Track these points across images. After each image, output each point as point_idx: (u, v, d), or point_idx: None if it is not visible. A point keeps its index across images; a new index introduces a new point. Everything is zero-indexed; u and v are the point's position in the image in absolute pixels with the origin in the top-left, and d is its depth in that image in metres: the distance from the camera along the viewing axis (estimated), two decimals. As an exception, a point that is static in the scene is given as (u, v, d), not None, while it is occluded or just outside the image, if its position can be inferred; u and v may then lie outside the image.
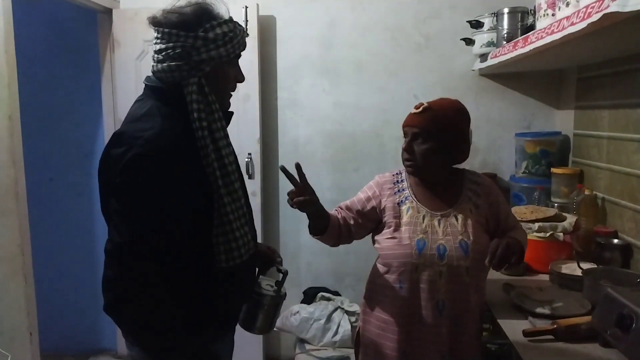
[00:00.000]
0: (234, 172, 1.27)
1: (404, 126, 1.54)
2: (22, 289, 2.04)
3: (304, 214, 1.49)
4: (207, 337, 1.29)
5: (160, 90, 1.22)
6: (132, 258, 1.11)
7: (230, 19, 1.23)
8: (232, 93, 1.32)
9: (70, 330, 3.19)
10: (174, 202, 1.13)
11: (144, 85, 1.26)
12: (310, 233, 1.56)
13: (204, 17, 1.18)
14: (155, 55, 1.19)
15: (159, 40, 1.18)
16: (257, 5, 2.66)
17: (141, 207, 1.11)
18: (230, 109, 1.34)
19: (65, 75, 3.04)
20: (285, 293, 1.50)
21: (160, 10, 1.19)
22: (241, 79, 1.31)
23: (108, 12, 2.77)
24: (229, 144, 1.27)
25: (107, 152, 1.19)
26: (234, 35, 1.20)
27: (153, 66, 1.21)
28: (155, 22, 1.18)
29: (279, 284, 1.48)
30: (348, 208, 1.60)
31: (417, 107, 1.51)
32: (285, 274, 1.52)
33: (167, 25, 1.16)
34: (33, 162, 2.67)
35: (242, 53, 1.28)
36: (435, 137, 1.48)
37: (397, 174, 1.62)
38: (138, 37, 2.72)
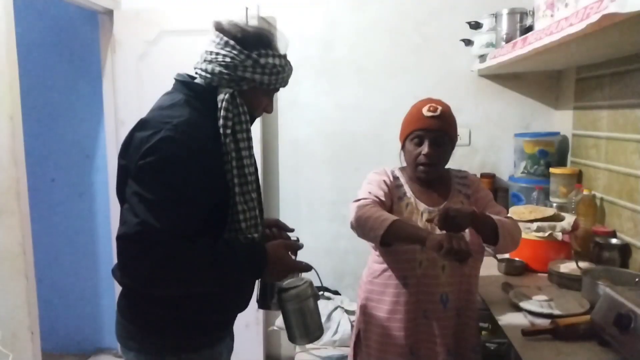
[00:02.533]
0: (253, 182, 1.27)
1: (418, 129, 1.52)
2: (24, 288, 2.05)
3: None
4: (208, 338, 1.30)
5: (192, 85, 1.25)
6: (147, 238, 1.08)
7: (285, 56, 1.28)
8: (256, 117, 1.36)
9: (72, 329, 3.20)
10: (193, 191, 1.13)
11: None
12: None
13: (263, 43, 1.23)
14: (206, 55, 1.24)
15: (214, 44, 1.23)
16: (258, 6, 2.67)
17: (162, 189, 1.10)
18: None
19: (66, 75, 3.05)
20: (311, 282, 1.36)
21: (228, 19, 1.25)
22: (270, 110, 1.36)
23: (109, 12, 2.78)
24: (252, 155, 1.29)
25: (131, 135, 1.19)
26: (282, 71, 1.25)
27: (198, 62, 1.26)
28: (218, 28, 1.23)
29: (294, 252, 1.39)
30: (379, 198, 1.53)
31: (432, 110, 1.50)
32: (297, 241, 1.44)
33: (228, 35, 1.22)
34: (34, 162, 2.68)
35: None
36: (450, 137, 1.53)
37: (391, 171, 1.63)
38: (139, 37, 2.73)
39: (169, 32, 2.66)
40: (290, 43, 3.05)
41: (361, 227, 1.44)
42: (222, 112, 1.20)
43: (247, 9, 2.59)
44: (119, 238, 1.10)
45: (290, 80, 1.25)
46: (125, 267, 1.12)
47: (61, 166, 3.12)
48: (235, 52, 1.20)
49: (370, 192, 1.54)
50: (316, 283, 1.40)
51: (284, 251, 1.29)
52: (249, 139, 1.26)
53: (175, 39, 2.64)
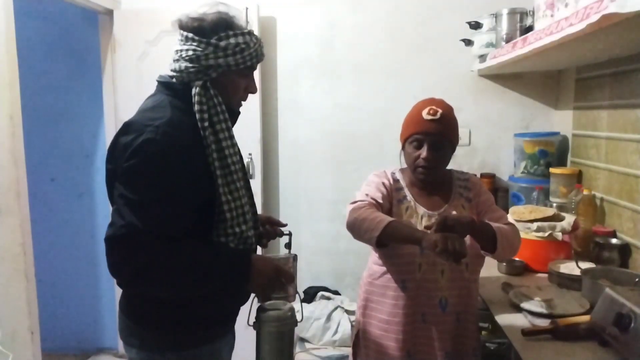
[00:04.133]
0: (237, 172, 1.28)
1: (417, 132, 1.50)
2: (24, 288, 2.05)
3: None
4: (208, 334, 1.31)
5: (172, 85, 1.27)
6: (132, 240, 1.09)
7: (249, 32, 1.27)
8: (242, 102, 1.35)
9: (72, 329, 3.21)
10: (179, 190, 1.14)
11: (155, 84, 1.31)
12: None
13: (221, 26, 1.24)
14: (174, 55, 1.27)
15: (178, 41, 1.26)
16: (258, 6, 2.67)
17: (146, 190, 1.11)
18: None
19: (67, 75, 3.05)
20: (294, 308, 1.33)
21: (185, 14, 1.26)
22: (253, 90, 1.35)
23: (109, 13, 2.78)
24: (234, 144, 1.29)
25: (116, 140, 1.21)
26: (247, 47, 1.25)
27: (170, 64, 1.28)
28: (180, 25, 1.26)
29: (288, 245, 1.42)
30: (376, 200, 1.53)
31: (432, 114, 1.48)
32: (290, 235, 1.48)
33: (186, 29, 1.25)
34: (34, 162, 2.69)
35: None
36: (450, 141, 1.52)
37: (392, 173, 1.63)
38: (139, 38, 2.73)
39: (169, 32, 2.65)
40: (290, 43, 3.07)
41: (357, 228, 1.44)
42: (197, 107, 1.22)
43: (247, 9, 2.59)
44: (106, 240, 1.12)
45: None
46: (112, 268, 1.13)
47: (61, 166, 3.12)
48: (195, 43, 1.22)
49: (367, 194, 1.53)
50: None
51: (269, 260, 1.30)
52: (229, 128, 1.27)
53: (175, 39, 2.64)
